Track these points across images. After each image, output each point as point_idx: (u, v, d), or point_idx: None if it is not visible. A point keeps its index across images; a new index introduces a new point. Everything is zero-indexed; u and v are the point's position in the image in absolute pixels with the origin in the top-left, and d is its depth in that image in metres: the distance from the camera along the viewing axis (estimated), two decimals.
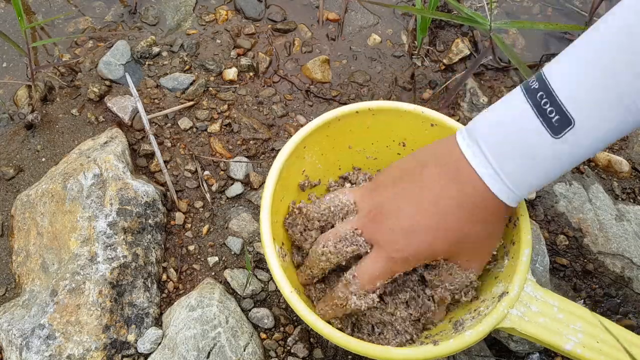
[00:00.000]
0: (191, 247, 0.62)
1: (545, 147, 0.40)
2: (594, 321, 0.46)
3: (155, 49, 0.74)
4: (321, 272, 0.50)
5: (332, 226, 0.51)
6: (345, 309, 0.48)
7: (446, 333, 0.48)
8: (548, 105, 0.39)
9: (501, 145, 0.41)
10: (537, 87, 0.40)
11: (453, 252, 0.46)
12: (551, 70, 0.40)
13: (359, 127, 0.57)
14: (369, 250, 0.47)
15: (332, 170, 0.59)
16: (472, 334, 0.44)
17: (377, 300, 0.47)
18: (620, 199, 0.67)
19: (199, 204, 0.65)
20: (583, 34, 0.40)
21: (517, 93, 0.41)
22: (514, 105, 0.41)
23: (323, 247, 0.48)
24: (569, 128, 0.38)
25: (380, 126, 0.57)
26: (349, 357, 0.57)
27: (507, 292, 0.46)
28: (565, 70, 0.39)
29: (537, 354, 0.55)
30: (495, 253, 0.49)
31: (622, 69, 0.36)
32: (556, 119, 0.38)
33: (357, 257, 0.49)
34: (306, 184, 0.57)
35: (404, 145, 0.58)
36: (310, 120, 0.55)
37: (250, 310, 0.58)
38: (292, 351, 0.56)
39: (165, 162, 0.66)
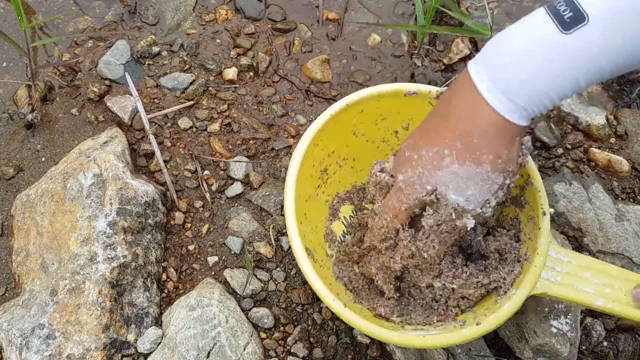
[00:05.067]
0: (191, 247, 0.62)
1: (552, 43, 0.38)
2: (618, 274, 0.48)
3: (155, 49, 0.74)
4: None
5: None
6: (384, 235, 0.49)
7: (484, 313, 0.49)
8: (563, 6, 0.38)
9: (497, 54, 0.40)
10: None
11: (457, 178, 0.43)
12: None
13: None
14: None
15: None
16: (510, 305, 0.45)
17: (408, 232, 0.48)
18: (620, 198, 0.67)
19: (198, 203, 0.65)
20: None
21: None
22: (524, 21, 0.40)
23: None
24: (581, 24, 0.37)
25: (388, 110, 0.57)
26: (349, 357, 0.57)
27: (533, 259, 0.47)
28: None
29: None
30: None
31: None
32: (569, 16, 0.38)
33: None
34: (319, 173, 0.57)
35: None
36: (310, 120, 0.55)
37: (250, 310, 0.58)
38: (292, 351, 0.56)
39: (165, 161, 0.66)
